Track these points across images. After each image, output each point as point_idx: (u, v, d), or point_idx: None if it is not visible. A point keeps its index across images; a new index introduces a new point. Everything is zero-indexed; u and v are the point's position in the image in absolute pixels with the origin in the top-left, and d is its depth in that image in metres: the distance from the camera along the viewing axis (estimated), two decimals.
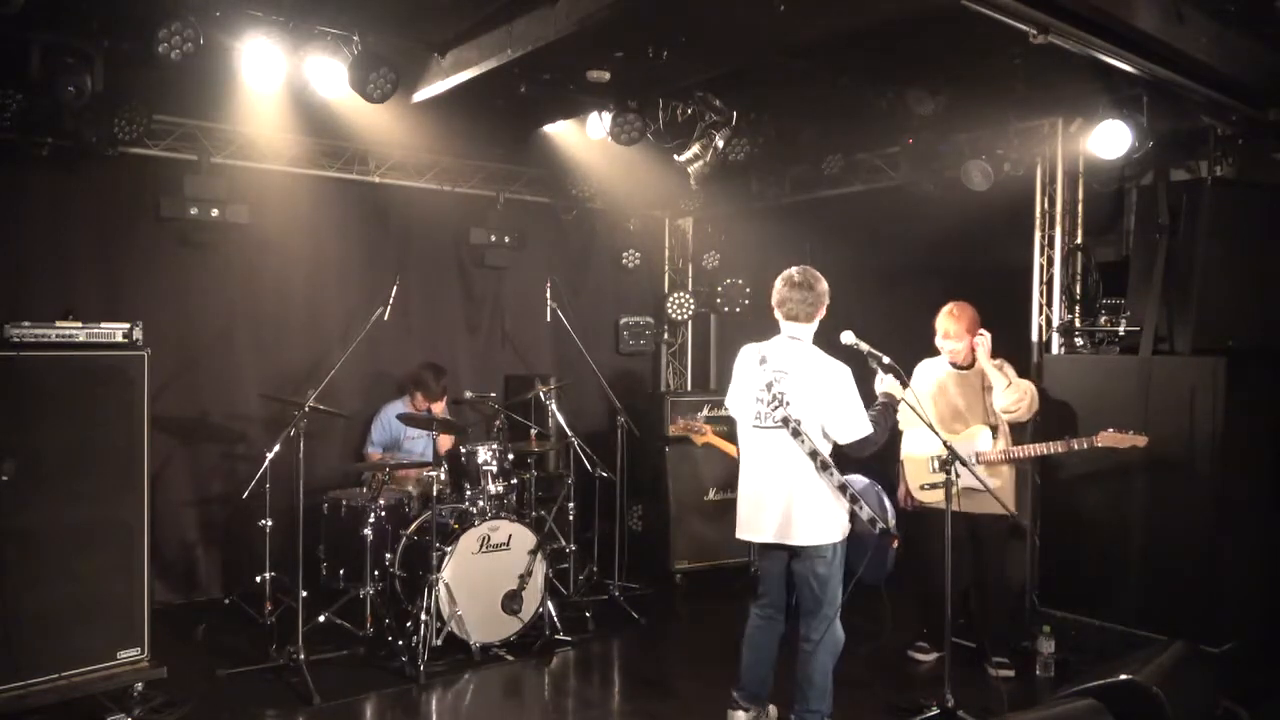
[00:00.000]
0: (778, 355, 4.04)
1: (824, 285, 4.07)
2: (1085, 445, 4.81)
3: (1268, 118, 4.97)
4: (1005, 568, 5.21)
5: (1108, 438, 4.75)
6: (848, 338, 4.15)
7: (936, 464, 5.03)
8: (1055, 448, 4.93)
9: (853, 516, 3.98)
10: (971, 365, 5.15)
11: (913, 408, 4.24)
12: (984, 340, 5.03)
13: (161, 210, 5.97)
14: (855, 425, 3.94)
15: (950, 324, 5.08)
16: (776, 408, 3.94)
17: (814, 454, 3.89)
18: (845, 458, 4.06)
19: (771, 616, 4.18)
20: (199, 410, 6.25)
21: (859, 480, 4.05)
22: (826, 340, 4.14)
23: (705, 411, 6.99)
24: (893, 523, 4.00)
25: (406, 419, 5.93)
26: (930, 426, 4.23)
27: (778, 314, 4.10)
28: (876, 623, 4.73)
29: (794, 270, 4.09)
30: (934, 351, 5.22)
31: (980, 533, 4.99)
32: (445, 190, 7.22)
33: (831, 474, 3.89)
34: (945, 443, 4.23)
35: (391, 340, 6.84)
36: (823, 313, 4.09)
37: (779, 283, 4.08)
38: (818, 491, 3.92)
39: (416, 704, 4.75)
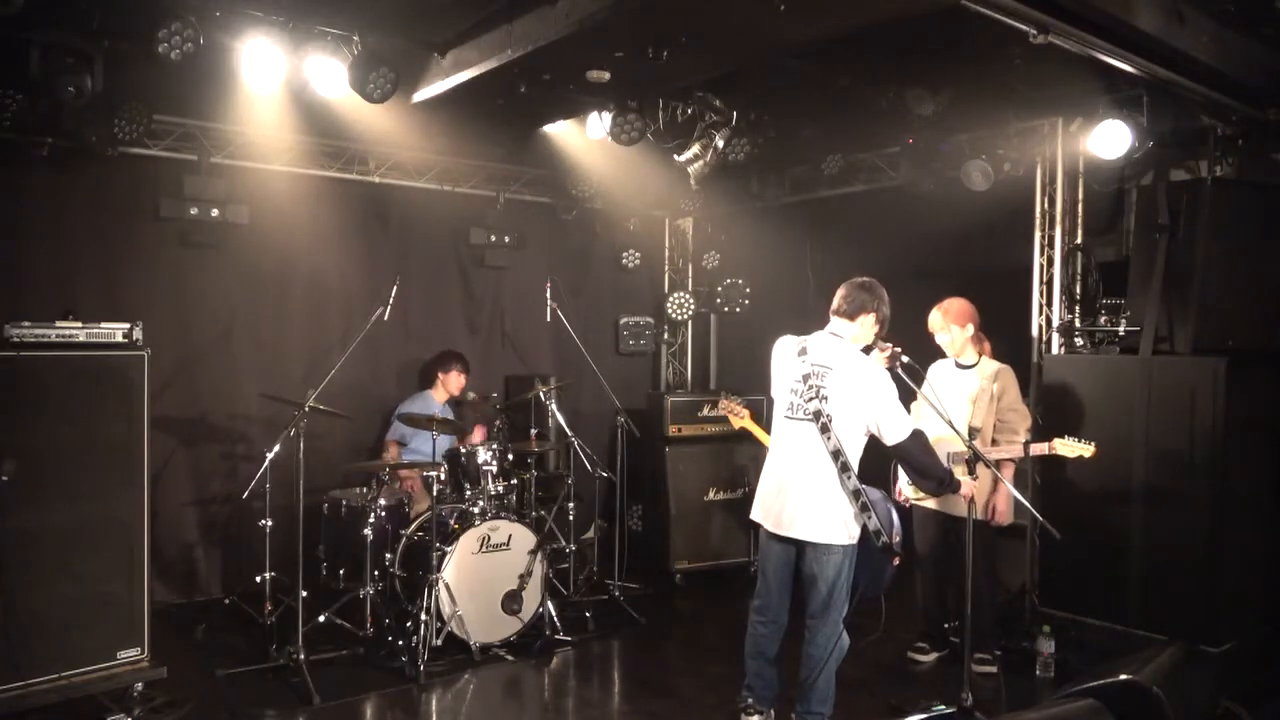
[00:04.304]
0: (819, 349, 4.06)
1: (882, 294, 4.11)
2: (1041, 451, 4.78)
3: (1268, 118, 4.97)
4: (987, 568, 5.17)
5: (1060, 445, 4.69)
6: None
7: None
8: (1014, 452, 4.90)
9: (863, 524, 3.96)
10: (971, 366, 5.15)
11: (934, 406, 4.23)
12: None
13: (161, 210, 5.97)
14: (900, 424, 3.94)
15: (936, 317, 5.12)
16: (811, 400, 3.95)
17: (837, 453, 3.89)
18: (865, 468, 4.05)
19: (772, 621, 4.17)
20: (199, 410, 6.25)
21: (874, 492, 4.04)
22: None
23: (704, 411, 6.99)
24: (897, 540, 3.99)
25: (407, 419, 5.94)
26: (952, 427, 4.21)
27: (830, 313, 4.16)
28: (875, 622, 4.73)
29: (861, 278, 4.16)
30: (931, 351, 5.22)
31: (960, 534, 4.97)
32: (445, 190, 7.22)
33: (850, 477, 3.89)
34: (969, 444, 4.20)
35: (391, 340, 6.85)
36: (871, 320, 4.08)
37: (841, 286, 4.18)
38: (834, 490, 3.91)
39: (416, 704, 4.75)
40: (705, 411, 6.99)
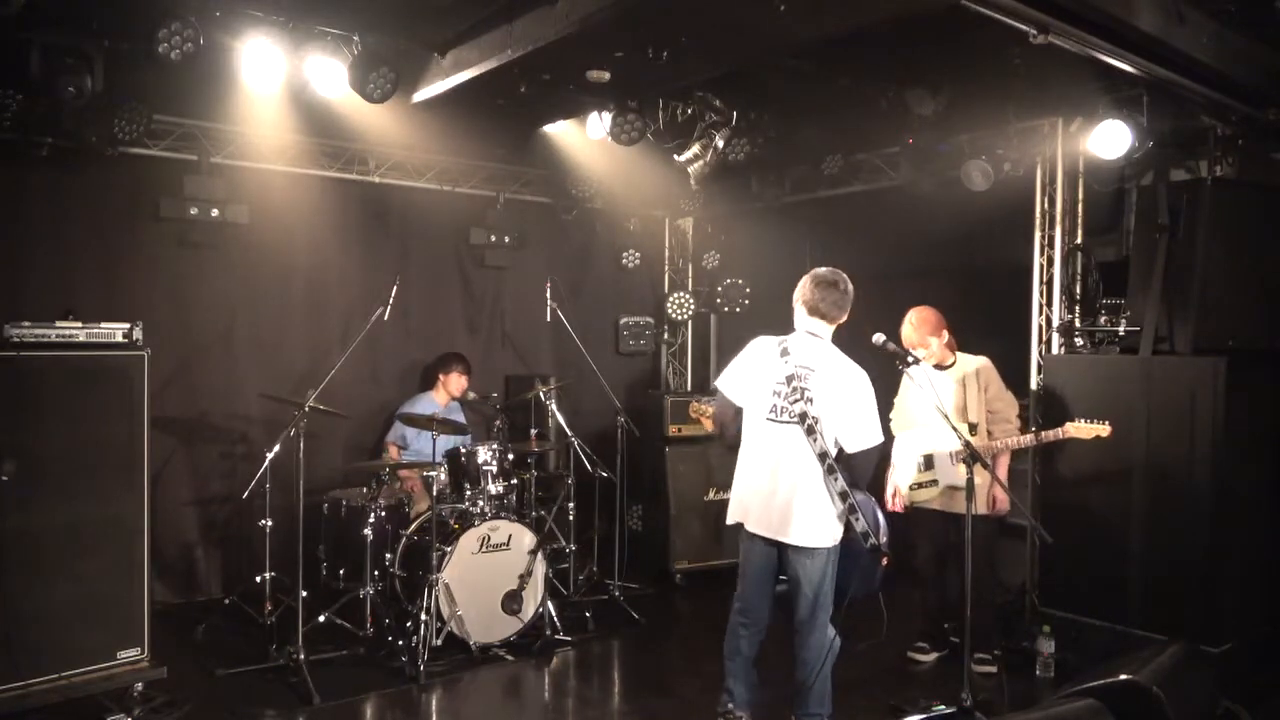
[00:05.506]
0: (802, 350, 4.00)
1: (851, 288, 4.08)
2: (1054, 437, 4.86)
3: (1268, 118, 4.96)
4: (987, 567, 5.16)
5: (1073, 428, 4.76)
6: (878, 338, 4.19)
7: (923, 463, 5.09)
8: (1028, 441, 4.97)
9: (847, 526, 3.93)
10: (950, 366, 5.17)
11: (941, 408, 4.25)
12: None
13: (161, 210, 5.97)
14: (870, 432, 3.92)
15: (909, 332, 5.11)
16: (796, 402, 3.90)
17: (824, 455, 3.85)
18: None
19: (754, 623, 4.10)
20: (199, 410, 6.25)
21: (857, 493, 3.99)
22: (851, 341, 4.15)
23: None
24: (884, 539, 3.94)
25: (407, 420, 5.94)
26: (952, 426, 4.22)
27: (799, 309, 4.08)
28: (878, 625, 4.73)
29: (825, 270, 4.09)
30: None
31: (963, 532, 4.98)
32: (445, 190, 7.22)
33: (837, 478, 3.85)
34: (967, 442, 4.19)
35: (391, 340, 6.85)
36: (845, 317, 4.08)
37: (807, 280, 4.08)
38: (820, 493, 3.88)
39: (416, 704, 4.75)
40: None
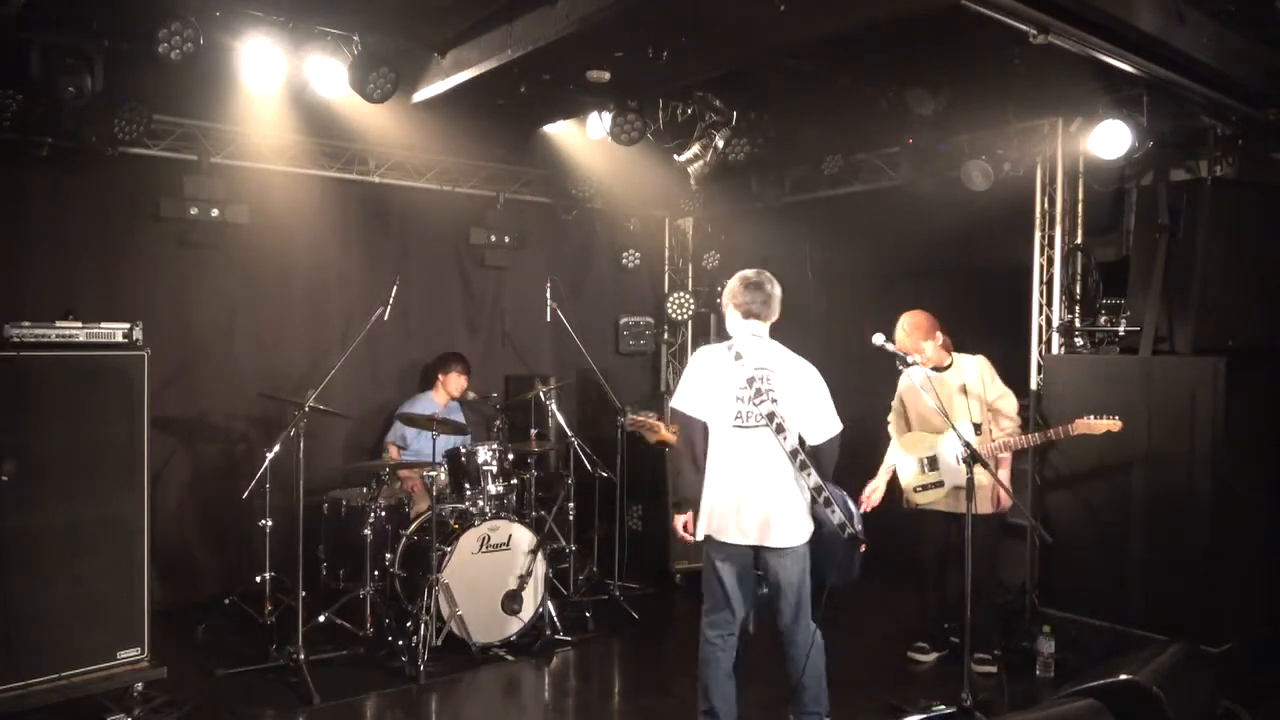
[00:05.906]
0: (754, 352, 3.97)
1: (778, 289, 4.09)
2: (1063, 434, 4.86)
3: (1267, 118, 4.96)
4: (989, 566, 5.17)
5: (1082, 425, 4.77)
6: (878, 339, 4.20)
7: (927, 464, 5.10)
8: (1035, 439, 4.98)
9: (822, 520, 3.92)
10: (948, 367, 5.16)
11: (942, 409, 4.26)
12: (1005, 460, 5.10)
13: (161, 210, 5.97)
14: (831, 422, 3.97)
15: (902, 338, 5.09)
16: (761, 404, 3.88)
17: (794, 453, 3.85)
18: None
19: (732, 635, 3.98)
20: (199, 410, 6.25)
21: (828, 483, 3.97)
22: (849, 342, 4.14)
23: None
24: (859, 527, 3.94)
25: (407, 420, 5.94)
26: (951, 425, 4.23)
27: (733, 313, 4.09)
28: (860, 615, 4.72)
29: (750, 271, 4.12)
30: None
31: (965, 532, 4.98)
32: (445, 190, 7.22)
33: (810, 474, 3.85)
34: (967, 443, 4.18)
35: (391, 340, 6.85)
36: (777, 315, 4.08)
37: (736, 284, 4.10)
38: (795, 491, 3.88)
39: (416, 704, 4.75)
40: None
